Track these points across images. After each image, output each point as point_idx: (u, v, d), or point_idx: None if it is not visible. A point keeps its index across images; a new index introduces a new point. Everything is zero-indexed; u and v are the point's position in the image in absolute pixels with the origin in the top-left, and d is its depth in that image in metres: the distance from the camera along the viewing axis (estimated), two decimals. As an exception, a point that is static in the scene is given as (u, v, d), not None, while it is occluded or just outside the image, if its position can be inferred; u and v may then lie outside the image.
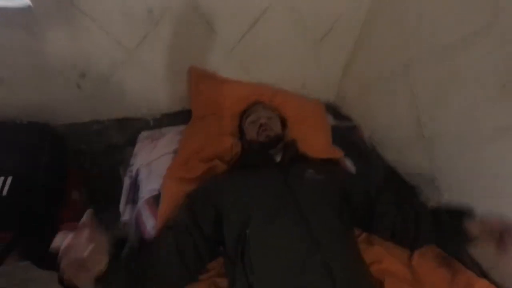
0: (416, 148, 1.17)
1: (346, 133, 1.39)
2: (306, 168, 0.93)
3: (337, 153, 1.22)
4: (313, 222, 0.76)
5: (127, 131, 1.28)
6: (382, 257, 0.87)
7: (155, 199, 0.95)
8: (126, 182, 1.10)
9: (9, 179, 0.88)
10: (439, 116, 1.06)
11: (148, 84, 1.18)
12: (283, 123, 1.16)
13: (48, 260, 1.01)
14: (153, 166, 1.07)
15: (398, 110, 1.24)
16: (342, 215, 0.84)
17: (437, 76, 1.05)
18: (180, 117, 1.32)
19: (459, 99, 0.98)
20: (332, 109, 1.59)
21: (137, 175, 1.08)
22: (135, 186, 1.08)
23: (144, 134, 1.25)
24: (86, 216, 0.57)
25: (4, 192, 0.88)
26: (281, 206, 0.79)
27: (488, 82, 0.88)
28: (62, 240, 0.53)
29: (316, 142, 1.20)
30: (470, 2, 0.90)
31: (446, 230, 0.80)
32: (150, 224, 0.90)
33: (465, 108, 0.97)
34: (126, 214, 1.10)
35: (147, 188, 1.00)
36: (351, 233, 0.87)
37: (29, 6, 0.87)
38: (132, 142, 1.26)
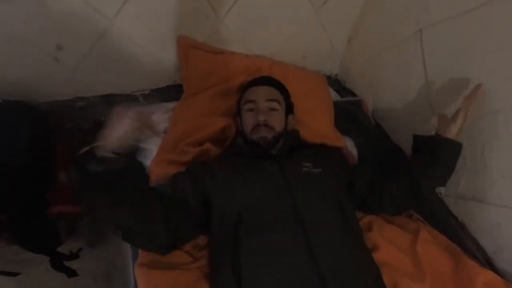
0: (423, 126, 1.09)
1: (349, 109, 1.31)
2: (303, 161, 0.86)
3: (339, 140, 1.15)
4: (311, 229, 0.71)
5: (115, 107, 1.20)
6: (379, 244, 0.84)
7: (143, 184, 0.91)
8: (115, 163, 1.04)
9: (-14, 163, 0.83)
10: (453, 91, 0.96)
11: (134, 57, 1.08)
12: (290, 108, 1.01)
13: (37, 244, 1.00)
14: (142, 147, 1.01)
15: (406, 84, 1.14)
16: (343, 208, 0.79)
17: (453, 45, 0.94)
18: (171, 92, 1.24)
19: (477, 72, 0.88)
20: (335, 83, 1.49)
21: (125, 156, 1.02)
22: (124, 168, 1.03)
23: (132, 111, 1.17)
24: None
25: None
26: (277, 211, 0.74)
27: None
28: None
29: (317, 123, 1.12)
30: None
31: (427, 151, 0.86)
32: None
33: (483, 83, 0.87)
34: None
35: (135, 172, 0.95)
36: (354, 226, 0.82)
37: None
38: (121, 120, 1.19)
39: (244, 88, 1.01)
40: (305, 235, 0.70)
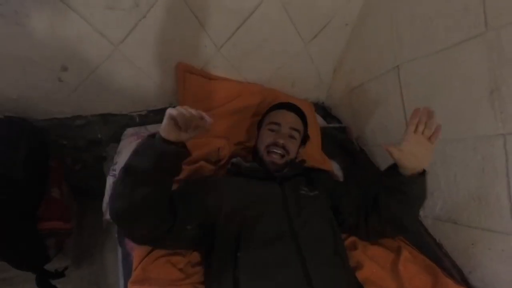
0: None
1: (335, 134, 1.39)
2: (301, 185, 0.92)
3: (326, 164, 1.22)
4: (305, 248, 0.75)
5: (112, 127, 1.24)
6: (363, 262, 0.89)
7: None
8: (109, 181, 1.06)
9: (-17, 176, 0.84)
10: (426, 121, 1.07)
11: (134, 79, 1.14)
12: (304, 140, 1.07)
13: (26, 260, 0.98)
14: (137, 165, 1.04)
15: (386, 112, 1.24)
16: (333, 229, 0.84)
17: (426, 80, 1.05)
18: (166, 114, 1.29)
19: (447, 105, 0.99)
20: (322, 110, 1.59)
21: (120, 174, 1.05)
22: (118, 185, 1.05)
23: (129, 130, 1.21)
24: None
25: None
26: (275, 230, 0.78)
27: (476, 89, 0.89)
28: None
29: (307, 148, 1.18)
30: (460, 10, 0.89)
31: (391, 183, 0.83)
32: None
33: (451, 115, 0.97)
34: (108, 213, 1.08)
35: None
36: (341, 245, 0.86)
37: (4, -7, 0.82)
38: (117, 139, 1.23)
39: (271, 107, 1.07)
40: (300, 254, 0.74)
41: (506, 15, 0.79)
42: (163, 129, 0.67)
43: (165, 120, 0.66)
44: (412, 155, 0.76)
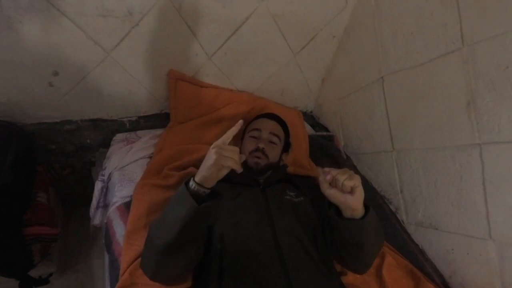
0: (386, 159, 1.22)
1: (323, 142, 1.43)
2: (287, 190, 0.93)
3: (313, 170, 1.24)
4: (288, 256, 0.75)
5: (101, 132, 1.25)
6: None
7: (127, 206, 0.93)
8: (98, 186, 1.06)
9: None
10: (408, 130, 1.11)
11: (125, 86, 1.15)
12: (286, 147, 1.10)
13: (10, 266, 0.96)
14: (127, 171, 1.04)
15: (372, 122, 1.29)
16: (316, 236, 0.84)
17: (408, 91, 1.10)
18: (157, 120, 1.30)
19: (427, 115, 1.03)
20: (310, 118, 1.63)
21: (109, 179, 1.05)
22: (106, 190, 1.05)
23: (118, 136, 1.21)
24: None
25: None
26: (257, 237, 0.78)
27: (454, 100, 0.94)
28: None
29: (294, 154, 1.21)
30: (439, 27, 0.95)
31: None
32: (120, 232, 0.88)
33: (432, 125, 1.02)
34: (96, 218, 1.08)
35: (120, 194, 0.98)
36: (328, 254, 0.85)
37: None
38: (106, 144, 1.23)
39: (254, 118, 1.11)
40: (282, 259, 0.74)
41: (480, 33, 0.84)
42: (210, 179, 0.66)
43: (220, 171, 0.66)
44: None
